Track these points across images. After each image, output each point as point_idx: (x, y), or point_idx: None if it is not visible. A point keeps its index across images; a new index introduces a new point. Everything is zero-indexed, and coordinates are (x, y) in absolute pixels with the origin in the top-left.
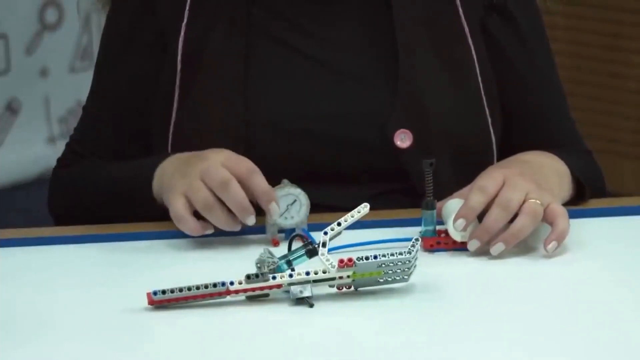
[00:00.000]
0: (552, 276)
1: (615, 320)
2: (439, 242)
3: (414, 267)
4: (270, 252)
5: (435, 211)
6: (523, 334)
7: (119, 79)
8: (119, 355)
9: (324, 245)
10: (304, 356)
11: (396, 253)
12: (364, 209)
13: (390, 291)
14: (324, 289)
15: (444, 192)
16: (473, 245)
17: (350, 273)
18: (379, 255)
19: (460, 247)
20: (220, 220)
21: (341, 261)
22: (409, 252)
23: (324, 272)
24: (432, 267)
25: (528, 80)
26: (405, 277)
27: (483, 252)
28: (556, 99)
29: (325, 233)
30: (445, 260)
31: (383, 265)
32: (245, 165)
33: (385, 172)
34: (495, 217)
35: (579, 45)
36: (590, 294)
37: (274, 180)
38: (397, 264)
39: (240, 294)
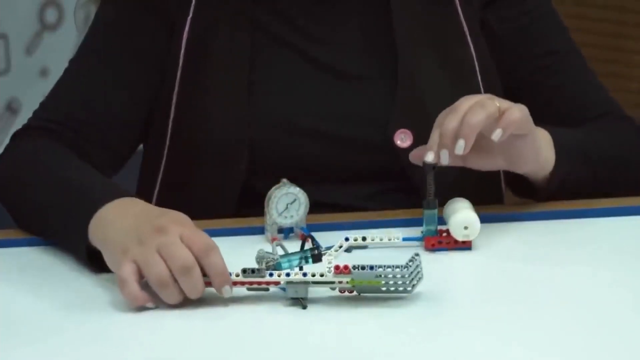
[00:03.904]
0: (552, 276)
1: (615, 320)
2: (440, 242)
3: (419, 279)
4: (283, 248)
5: (436, 210)
6: (523, 334)
7: (123, 49)
8: (118, 355)
9: (340, 247)
10: (303, 358)
11: (393, 266)
12: (396, 237)
13: None
14: (325, 290)
15: (444, 192)
16: (433, 156)
17: (348, 279)
18: (375, 266)
19: (461, 247)
20: (173, 298)
21: (337, 267)
22: (406, 267)
23: (321, 275)
24: (433, 267)
25: (547, 52)
26: (408, 289)
27: (484, 252)
28: (583, 70)
29: (347, 239)
30: (446, 260)
31: (382, 276)
32: (203, 241)
33: (386, 170)
34: (449, 120)
35: (580, 45)
36: (591, 294)
37: (274, 179)
38: (396, 276)
39: (239, 285)
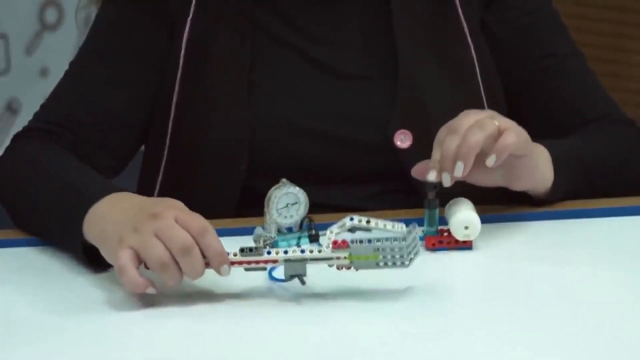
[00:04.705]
0: (552, 276)
1: (615, 320)
2: (441, 241)
3: (416, 254)
4: (280, 230)
5: (437, 210)
6: (524, 334)
7: (123, 49)
8: (118, 355)
9: (342, 226)
10: (303, 357)
11: (391, 239)
12: (400, 226)
13: (392, 289)
14: (324, 284)
15: (445, 192)
16: (435, 176)
17: (346, 254)
18: (374, 239)
19: (462, 247)
20: (174, 279)
21: (335, 242)
22: (404, 239)
23: (319, 251)
24: (434, 267)
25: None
26: (406, 262)
27: (485, 252)
28: (584, 72)
29: (352, 219)
30: (447, 260)
31: (380, 250)
32: (199, 223)
33: (386, 171)
34: (449, 141)
35: (579, 45)
36: (591, 294)
37: (274, 179)
38: (394, 249)
39: (237, 265)
